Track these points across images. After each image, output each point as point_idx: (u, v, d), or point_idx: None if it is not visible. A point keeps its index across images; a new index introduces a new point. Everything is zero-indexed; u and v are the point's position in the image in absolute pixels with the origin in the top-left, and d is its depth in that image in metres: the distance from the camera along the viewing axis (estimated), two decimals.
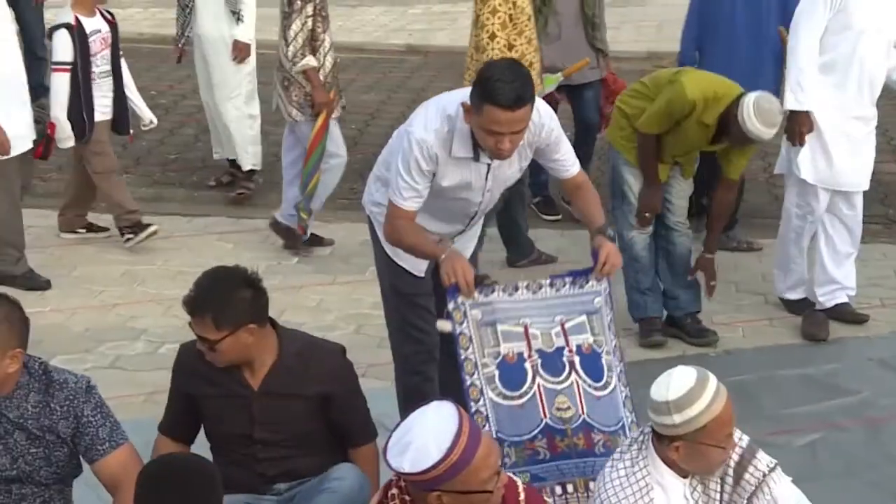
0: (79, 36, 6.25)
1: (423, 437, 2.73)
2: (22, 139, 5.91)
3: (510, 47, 5.97)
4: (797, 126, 5.50)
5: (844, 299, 5.77)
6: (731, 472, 3.10)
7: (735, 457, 3.10)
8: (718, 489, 3.10)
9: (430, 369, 4.24)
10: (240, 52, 7.36)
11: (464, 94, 3.82)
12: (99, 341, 5.49)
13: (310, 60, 6.35)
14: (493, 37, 5.94)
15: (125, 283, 6.19)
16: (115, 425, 3.26)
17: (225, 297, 3.39)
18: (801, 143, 5.51)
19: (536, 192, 7.09)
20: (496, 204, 4.34)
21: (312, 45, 6.38)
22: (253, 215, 7.30)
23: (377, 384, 5.09)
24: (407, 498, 2.82)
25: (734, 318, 5.90)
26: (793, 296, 5.90)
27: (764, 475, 3.08)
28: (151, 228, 6.53)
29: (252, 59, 7.48)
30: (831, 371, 5.33)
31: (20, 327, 3.15)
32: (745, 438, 3.13)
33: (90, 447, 3.21)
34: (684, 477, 3.07)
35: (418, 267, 4.14)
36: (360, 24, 12.79)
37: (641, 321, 5.58)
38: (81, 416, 3.19)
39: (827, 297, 5.74)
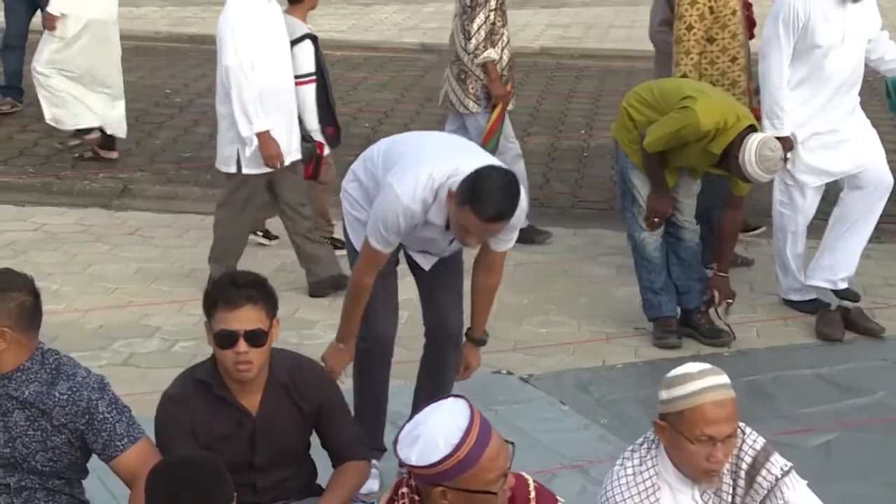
0: (314, 44, 6.21)
1: (433, 431, 2.73)
2: (287, 155, 5.84)
3: (710, 40, 5.94)
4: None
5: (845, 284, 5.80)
6: (743, 474, 3.04)
7: (748, 459, 3.04)
8: (730, 491, 3.04)
9: (377, 354, 4.32)
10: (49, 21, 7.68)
11: (455, 165, 3.81)
12: (113, 339, 5.50)
13: (491, 53, 6.47)
14: (689, 28, 5.92)
15: (139, 280, 6.20)
16: (131, 420, 3.26)
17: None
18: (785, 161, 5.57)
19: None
20: None
21: (492, 38, 6.48)
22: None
23: (392, 382, 5.09)
24: (416, 497, 2.82)
25: (748, 318, 5.88)
26: (795, 297, 5.90)
27: (777, 479, 3.02)
28: (274, 242, 6.72)
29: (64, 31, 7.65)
30: (846, 371, 5.31)
31: (13, 307, 3.12)
32: (761, 440, 3.06)
33: (108, 444, 3.20)
34: (694, 479, 3.04)
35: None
36: (374, 23, 12.80)
37: (656, 321, 5.57)
38: (95, 412, 3.18)
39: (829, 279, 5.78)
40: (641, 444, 3.06)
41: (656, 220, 5.37)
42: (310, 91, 6.17)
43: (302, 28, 6.14)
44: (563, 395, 4.99)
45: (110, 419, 3.19)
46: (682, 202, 5.44)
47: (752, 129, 5.07)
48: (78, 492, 3.35)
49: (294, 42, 6.05)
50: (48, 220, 7.06)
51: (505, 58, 6.56)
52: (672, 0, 6.20)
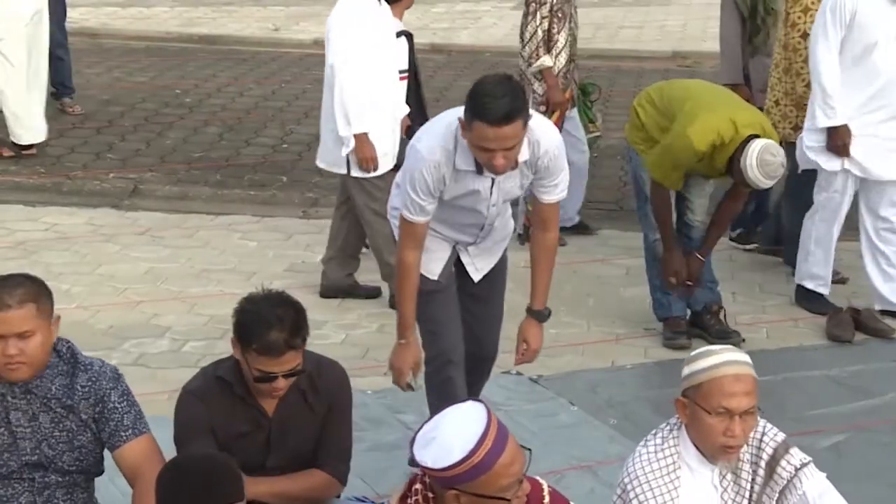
0: (409, 42, 6.19)
1: (449, 434, 2.73)
2: (385, 157, 5.73)
3: (804, 36, 5.91)
4: (838, 140, 5.55)
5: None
6: (763, 464, 3.09)
7: (769, 450, 3.09)
8: (750, 479, 3.10)
9: (450, 369, 4.19)
10: None
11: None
12: (123, 339, 5.51)
13: (545, 60, 6.48)
14: (804, 36, 5.92)
15: (149, 280, 6.21)
16: (140, 414, 3.29)
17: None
18: (847, 155, 5.56)
19: (737, 226, 6.68)
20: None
21: (548, 44, 6.47)
22: (275, 214, 7.33)
23: None
24: (430, 495, 2.82)
25: (758, 319, 5.87)
26: (809, 284, 5.87)
27: (796, 469, 3.08)
28: None
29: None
30: (856, 373, 5.30)
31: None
32: (781, 435, 3.13)
33: (114, 433, 3.23)
34: (713, 464, 3.07)
35: (430, 269, 4.11)
36: None
37: (666, 321, 5.56)
38: (108, 400, 3.21)
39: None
40: (664, 427, 3.12)
41: (673, 280, 5.37)
42: (403, 88, 6.07)
43: (398, 25, 6.09)
44: (573, 396, 4.99)
45: (120, 409, 3.23)
46: (693, 201, 5.43)
47: (754, 137, 5.05)
48: (92, 488, 3.38)
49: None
50: (59, 220, 7.07)
51: (561, 63, 6.51)
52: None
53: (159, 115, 9.09)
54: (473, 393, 4.23)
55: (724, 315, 5.59)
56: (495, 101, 3.59)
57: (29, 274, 3.29)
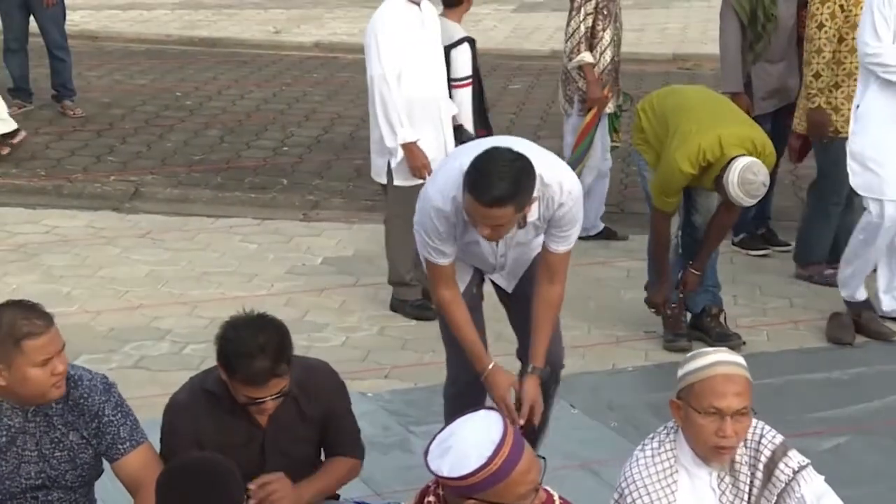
0: (472, 48, 6.11)
1: (466, 443, 2.72)
2: (433, 163, 5.53)
3: (840, 40, 5.92)
4: None
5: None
6: (761, 467, 3.09)
7: (767, 453, 3.09)
8: (748, 482, 3.09)
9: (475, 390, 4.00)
10: None
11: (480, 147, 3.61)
12: (123, 341, 5.51)
13: (585, 56, 6.49)
14: (820, 26, 5.92)
15: (150, 283, 6.21)
16: (135, 423, 3.27)
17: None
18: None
19: (739, 230, 6.65)
20: None
21: (591, 41, 6.49)
22: (276, 216, 7.33)
23: (399, 385, 5.10)
24: None
25: (758, 321, 5.87)
26: (843, 292, 5.74)
27: (794, 472, 3.07)
28: None
29: None
30: (856, 375, 5.30)
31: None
32: (779, 437, 3.12)
33: (111, 446, 3.22)
34: (710, 466, 3.07)
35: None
36: None
37: (666, 318, 5.56)
38: (102, 414, 3.19)
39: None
40: (661, 431, 3.12)
41: (652, 311, 5.46)
42: (467, 94, 6.03)
43: (459, 31, 6.05)
44: (573, 399, 4.99)
45: (115, 421, 3.21)
46: (700, 203, 5.43)
47: (739, 156, 5.03)
48: (92, 493, 3.37)
49: (452, 45, 5.94)
50: (59, 223, 7.07)
51: (605, 61, 6.52)
52: None
53: (160, 117, 9.09)
54: (547, 397, 4.00)
55: (724, 317, 5.59)
56: (491, 181, 3.44)
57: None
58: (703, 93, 5.58)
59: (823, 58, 5.93)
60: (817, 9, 5.94)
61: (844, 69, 5.97)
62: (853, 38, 5.81)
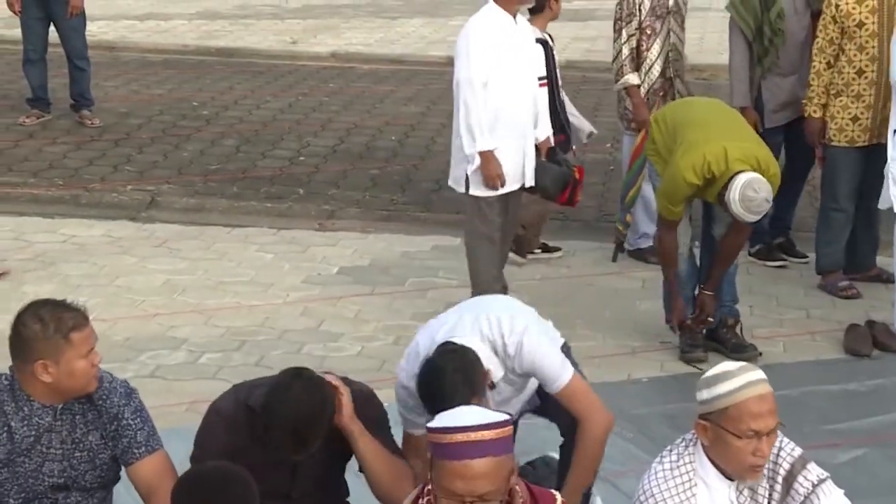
0: (545, 49, 6.14)
1: (469, 411, 2.83)
2: (507, 177, 5.49)
3: (840, 51, 5.97)
4: None
5: None
6: (780, 479, 3.08)
7: (786, 465, 3.08)
8: (767, 495, 3.08)
9: None
10: None
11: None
12: (140, 350, 5.52)
13: (630, 78, 6.48)
14: (821, 30, 6.04)
15: (166, 292, 6.22)
16: (153, 430, 3.29)
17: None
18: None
19: (755, 241, 6.62)
20: None
21: (638, 61, 6.49)
22: (292, 226, 7.34)
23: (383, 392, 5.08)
24: None
25: (775, 332, 5.85)
26: None
27: (814, 485, 3.06)
28: (558, 254, 6.74)
29: None
30: (874, 387, 5.27)
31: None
32: (798, 450, 3.11)
33: (127, 450, 3.24)
34: (730, 479, 3.06)
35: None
36: (401, 36, 12.83)
37: (681, 327, 5.54)
38: (121, 417, 3.22)
39: None
40: (679, 443, 3.11)
41: (673, 325, 5.43)
42: (542, 94, 5.91)
43: (536, 33, 6.04)
44: None
45: (133, 425, 3.24)
46: (718, 214, 5.41)
47: (742, 171, 5.00)
48: (110, 497, 3.39)
49: None
50: (76, 232, 7.10)
51: (651, 79, 6.47)
52: None
53: (176, 127, 9.12)
54: None
55: (741, 328, 5.57)
56: (444, 399, 3.27)
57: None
58: (714, 106, 5.57)
59: (813, 67, 6.04)
60: (823, 13, 6.03)
61: (843, 79, 6.01)
62: (851, 50, 5.90)
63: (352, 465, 3.51)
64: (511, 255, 6.27)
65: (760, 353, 5.50)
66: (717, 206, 5.37)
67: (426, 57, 11.88)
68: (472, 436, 2.70)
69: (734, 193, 4.96)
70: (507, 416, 2.81)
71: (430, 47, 12.31)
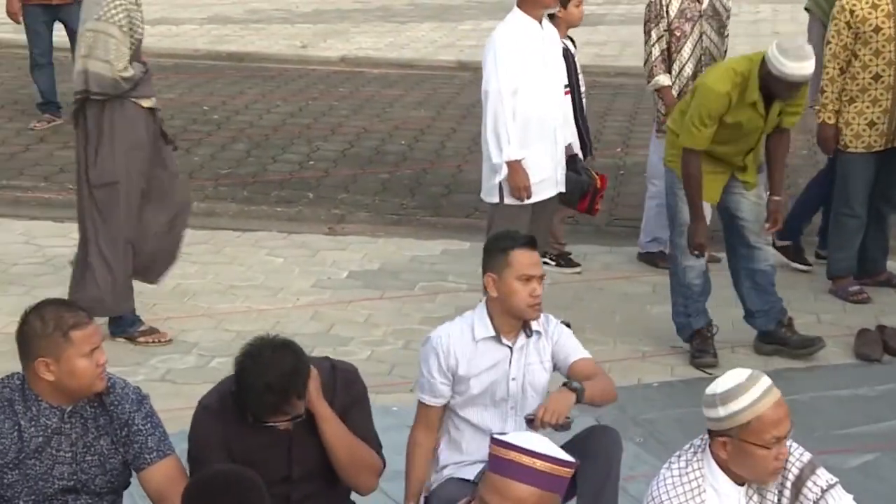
0: (567, 57, 6.10)
1: (541, 440, 2.85)
2: (541, 184, 5.49)
3: (854, 56, 5.96)
4: None
5: None
6: (789, 485, 3.08)
7: (795, 471, 3.08)
8: (776, 500, 3.08)
9: None
10: None
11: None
12: (150, 354, 5.54)
13: (660, 79, 6.45)
14: (826, 44, 6.04)
15: (176, 297, 6.24)
16: (164, 436, 3.30)
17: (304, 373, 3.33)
18: None
19: (784, 237, 6.61)
20: None
21: (669, 62, 6.46)
22: (302, 230, 7.35)
23: (386, 398, 5.09)
24: None
25: None
26: None
27: (823, 490, 3.06)
28: (577, 269, 6.68)
29: None
30: (885, 392, 5.26)
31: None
32: (807, 455, 3.12)
33: (138, 455, 3.25)
34: (740, 484, 3.06)
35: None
36: (410, 41, 12.84)
37: (692, 338, 5.53)
38: (132, 423, 3.23)
39: None
40: (688, 449, 3.11)
41: (696, 253, 5.35)
42: (566, 102, 5.90)
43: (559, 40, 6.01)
44: (599, 414, 4.96)
45: (144, 431, 3.25)
46: (747, 220, 5.39)
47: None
48: (119, 502, 3.39)
49: None
50: None
51: (682, 80, 6.41)
52: None
53: (187, 131, 9.14)
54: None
55: (792, 322, 5.56)
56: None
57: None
58: None
59: (827, 73, 6.02)
60: (833, 18, 6.02)
61: (858, 85, 6.00)
62: (866, 55, 5.87)
63: None
64: None
65: (824, 345, 5.51)
66: (743, 212, 5.33)
67: (436, 61, 11.89)
68: (526, 460, 2.72)
69: (777, 58, 4.96)
70: (571, 459, 2.81)
71: (439, 52, 12.32)
